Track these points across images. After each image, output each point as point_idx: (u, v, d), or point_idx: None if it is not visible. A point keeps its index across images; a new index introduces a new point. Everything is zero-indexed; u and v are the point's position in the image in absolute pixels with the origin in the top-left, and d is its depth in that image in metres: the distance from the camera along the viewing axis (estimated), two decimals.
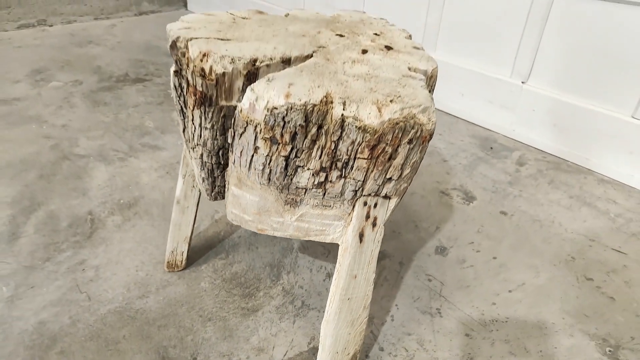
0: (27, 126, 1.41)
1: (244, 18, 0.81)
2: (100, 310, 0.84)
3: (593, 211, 1.21)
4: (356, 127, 0.56)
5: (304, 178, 0.61)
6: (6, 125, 1.41)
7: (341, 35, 0.78)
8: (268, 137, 0.58)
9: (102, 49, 2.12)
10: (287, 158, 0.59)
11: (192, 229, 0.91)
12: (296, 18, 0.85)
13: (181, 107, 0.72)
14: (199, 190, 0.86)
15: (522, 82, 1.47)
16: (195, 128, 0.68)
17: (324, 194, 0.62)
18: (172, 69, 0.70)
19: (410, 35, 0.86)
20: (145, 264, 0.95)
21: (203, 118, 0.66)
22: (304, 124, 0.57)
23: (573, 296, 0.95)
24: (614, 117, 1.31)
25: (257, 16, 0.83)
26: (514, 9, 1.42)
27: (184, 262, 0.93)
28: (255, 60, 0.63)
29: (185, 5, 2.88)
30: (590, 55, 1.31)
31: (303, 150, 0.59)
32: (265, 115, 0.56)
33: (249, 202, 0.65)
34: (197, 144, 0.70)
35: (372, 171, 0.61)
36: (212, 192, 0.73)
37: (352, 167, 0.60)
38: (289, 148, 0.58)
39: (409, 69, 0.69)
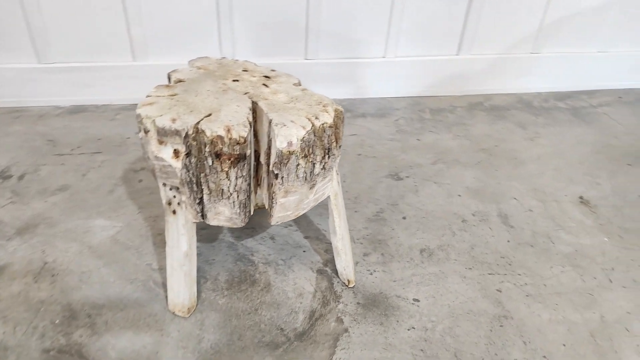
0: None
1: (169, 86, 0.99)
2: None
3: None
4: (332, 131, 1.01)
5: (318, 169, 1.00)
6: None
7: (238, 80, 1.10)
8: (303, 155, 0.94)
9: None
10: (313, 163, 0.97)
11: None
12: (207, 75, 1.08)
13: (195, 179, 0.92)
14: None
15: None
16: (230, 183, 0.93)
17: (324, 172, 1.04)
18: (178, 165, 0.89)
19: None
20: (180, 323, 1.07)
21: (239, 171, 0.92)
22: (316, 139, 0.96)
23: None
24: (296, 62, 2.02)
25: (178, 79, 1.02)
26: (207, 5, 1.84)
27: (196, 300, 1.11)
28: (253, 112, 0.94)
29: None
30: (269, 27, 1.92)
31: (316, 154, 0.98)
32: (301, 144, 0.92)
33: (291, 202, 0.99)
34: (231, 193, 0.94)
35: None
36: (245, 218, 1.00)
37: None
38: (312, 157, 0.96)
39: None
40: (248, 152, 0.92)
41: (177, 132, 0.87)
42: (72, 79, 1.90)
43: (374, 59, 2.05)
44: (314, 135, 0.95)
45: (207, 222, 1.01)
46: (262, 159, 1.03)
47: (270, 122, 0.94)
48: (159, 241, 1.30)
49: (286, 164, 0.93)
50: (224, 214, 0.98)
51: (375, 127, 1.90)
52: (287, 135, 0.91)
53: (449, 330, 1.08)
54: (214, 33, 1.90)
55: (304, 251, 1.28)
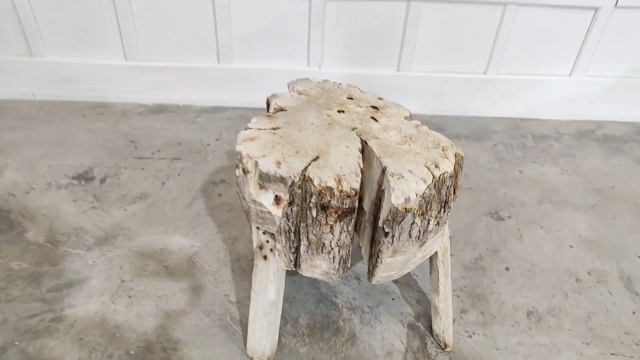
0: None
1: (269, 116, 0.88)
2: None
3: None
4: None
5: (432, 225, 0.86)
6: None
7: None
8: (420, 212, 0.80)
9: None
10: (429, 220, 0.83)
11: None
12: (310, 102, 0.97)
13: (294, 228, 0.81)
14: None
15: (319, 68, 1.85)
16: (333, 237, 0.81)
17: (437, 228, 0.90)
18: (278, 213, 0.78)
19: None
20: None
21: (345, 225, 0.80)
22: (435, 192, 0.82)
23: None
24: (387, 74, 1.87)
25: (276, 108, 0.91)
26: (297, 12, 1.73)
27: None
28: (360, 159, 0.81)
29: None
30: (361, 36, 1.78)
31: (433, 210, 0.84)
32: (419, 201, 0.79)
33: (397, 262, 0.86)
34: (332, 248, 0.83)
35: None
36: (343, 274, 0.88)
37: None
38: (429, 213, 0.82)
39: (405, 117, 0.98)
40: (356, 205, 0.80)
41: (282, 180, 0.76)
42: (156, 77, 1.86)
43: (474, 74, 1.86)
44: (434, 189, 0.81)
45: (300, 272, 0.90)
46: (366, 206, 0.90)
47: (384, 170, 0.81)
48: (237, 268, 1.21)
49: (400, 222, 0.80)
50: (321, 267, 0.87)
51: (471, 152, 1.72)
52: (405, 190, 0.77)
53: None
54: (302, 39, 1.78)
55: (393, 299, 1.15)
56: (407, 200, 0.78)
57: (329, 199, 0.76)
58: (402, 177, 0.79)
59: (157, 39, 1.78)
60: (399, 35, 1.78)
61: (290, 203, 0.79)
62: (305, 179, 0.77)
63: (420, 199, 0.79)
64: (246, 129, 0.87)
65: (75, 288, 1.13)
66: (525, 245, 1.33)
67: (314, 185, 0.76)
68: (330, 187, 0.76)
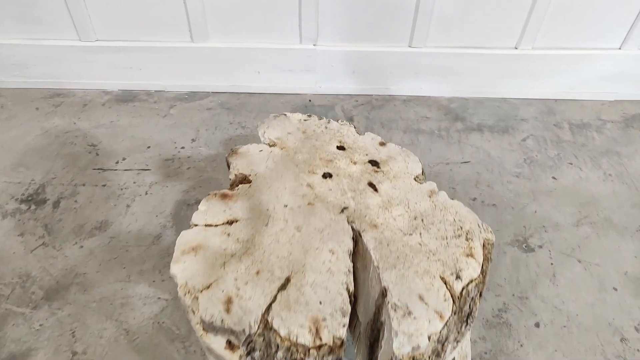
0: None
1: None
2: None
3: (417, 135, 1.50)
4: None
5: (449, 350, 0.63)
6: None
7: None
8: (436, 354, 0.57)
9: None
10: (444, 355, 0.60)
11: None
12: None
13: None
14: None
15: (314, 45, 1.53)
16: None
17: (456, 344, 0.67)
18: (239, 357, 0.55)
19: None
20: None
21: None
22: (455, 318, 0.58)
23: None
24: (396, 51, 1.54)
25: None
26: None
27: None
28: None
29: None
30: (363, 7, 1.44)
31: (450, 339, 0.61)
32: (432, 345, 0.55)
33: None
34: None
35: None
36: None
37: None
38: (445, 346, 0.59)
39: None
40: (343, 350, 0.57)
41: (232, 332, 0.53)
42: (118, 60, 1.56)
43: (502, 50, 1.53)
44: (453, 314, 0.58)
45: None
46: (360, 316, 0.67)
47: (383, 293, 0.57)
48: None
49: None
50: None
51: (495, 152, 1.44)
52: (412, 333, 0.54)
53: None
54: (293, 10, 1.45)
55: None
56: (416, 348, 0.54)
57: (302, 356, 0.53)
58: (409, 312, 0.55)
59: (114, 13, 1.46)
60: (411, 3, 1.43)
61: (250, 352, 0.56)
62: (267, 327, 0.53)
63: (434, 343, 0.55)
64: (190, 226, 0.62)
65: None
66: (560, 288, 1.10)
67: (280, 337, 0.53)
68: (302, 345, 0.52)
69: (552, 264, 1.15)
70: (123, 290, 1.08)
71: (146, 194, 1.29)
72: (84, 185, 1.31)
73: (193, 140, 1.46)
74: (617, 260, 1.16)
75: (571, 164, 1.41)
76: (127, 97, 1.61)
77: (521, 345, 1.00)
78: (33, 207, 1.25)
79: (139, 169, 1.36)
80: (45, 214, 1.23)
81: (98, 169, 1.36)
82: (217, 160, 1.39)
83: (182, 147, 1.43)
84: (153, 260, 1.14)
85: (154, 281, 1.09)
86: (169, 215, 1.24)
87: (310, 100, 1.55)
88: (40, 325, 1.01)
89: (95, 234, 1.19)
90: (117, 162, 1.38)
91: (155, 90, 1.64)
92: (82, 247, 1.16)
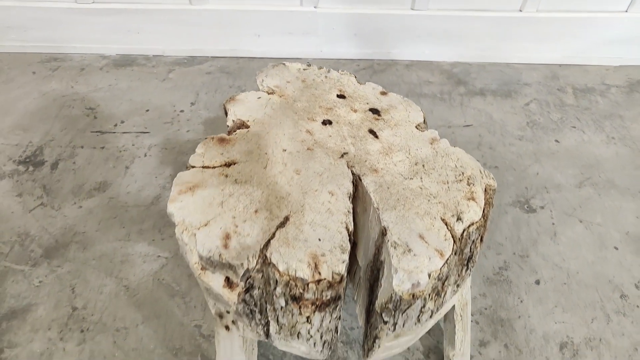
0: None
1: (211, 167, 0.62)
2: None
3: (419, 98, 1.48)
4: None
5: (449, 294, 0.63)
6: None
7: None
8: (435, 294, 0.57)
9: None
10: (444, 295, 0.60)
11: None
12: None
13: (258, 309, 0.59)
14: None
15: (314, 7, 1.50)
16: (312, 326, 0.58)
17: (456, 289, 0.67)
18: (233, 297, 0.55)
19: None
20: None
21: (328, 313, 0.57)
22: (456, 258, 0.58)
23: None
24: (398, 13, 1.51)
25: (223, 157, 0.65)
26: None
27: None
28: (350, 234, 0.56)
29: None
30: None
31: (451, 280, 0.60)
32: (433, 282, 0.55)
33: (401, 343, 0.65)
34: (312, 335, 0.61)
35: None
36: (328, 353, 0.67)
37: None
38: (445, 287, 0.59)
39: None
40: (344, 287, 0.56)
41: (230, 267, 0.52)
42: (116, 23, 1.53)
43: (506, 12, 1.49)
44: (454, 254, 0.57)
45: (275, 345, 0.69)
46: (360, 260, 0.67)
47: (383, 232, 0.56)
48: None
49: (405, 310, 0.57)
50: (299, 349, 0.66)
51: (497, 115, 1.42)
52: (413, 270, 0.53)
53: None
54: None
55: None
56: (416, 285, 0.54)
57: (300, 291, 0.53)
58: (409, 250, 0.54)
59: None
60: None
61: (249, 289, 0.55)
62: (265, 262, 0.53)
63: (434, 280, 0.55)
64: (187, 168, 0.61)
65: (18, 320, 0.95)
66: (561, 246, 1.10)
67: (278, 272, 0.52)
68: (301, 279, 0.52)
69: (553, 223, 1.14)
70: (123, 249, 1.08)
71: (145, 156, 1.28)
72: (82, 147, 1.30)
73: (192, 103, 1.44)
74: (619, 221, 1.15)
75: (574, 127, 1.39)
76: (125, 62, 1.59)
77: (521, 301, 1.00)
78: (31, 168, 1.24)
79: (138, 132, 1.35)
80: (44, 175, 1.22)
81: (96, 131, 1.34)
82: (217, 123, 1.37)
83: (182, 111, 1.42)
84: (152, 220, 1.13)
85: (153, 240, 1.09)
86: (169, 177, 1.23)
87: (309, 65, 1.53)
88: (40, 281, 1.01)
89: (94, 194, 1.18)
90: (115, 125, 1.36)
91: (153, 55, 1.62)
92: (81, 207, 1.15)
